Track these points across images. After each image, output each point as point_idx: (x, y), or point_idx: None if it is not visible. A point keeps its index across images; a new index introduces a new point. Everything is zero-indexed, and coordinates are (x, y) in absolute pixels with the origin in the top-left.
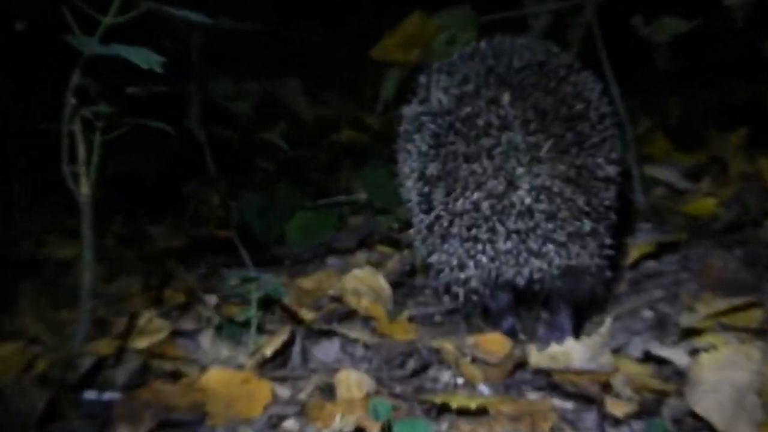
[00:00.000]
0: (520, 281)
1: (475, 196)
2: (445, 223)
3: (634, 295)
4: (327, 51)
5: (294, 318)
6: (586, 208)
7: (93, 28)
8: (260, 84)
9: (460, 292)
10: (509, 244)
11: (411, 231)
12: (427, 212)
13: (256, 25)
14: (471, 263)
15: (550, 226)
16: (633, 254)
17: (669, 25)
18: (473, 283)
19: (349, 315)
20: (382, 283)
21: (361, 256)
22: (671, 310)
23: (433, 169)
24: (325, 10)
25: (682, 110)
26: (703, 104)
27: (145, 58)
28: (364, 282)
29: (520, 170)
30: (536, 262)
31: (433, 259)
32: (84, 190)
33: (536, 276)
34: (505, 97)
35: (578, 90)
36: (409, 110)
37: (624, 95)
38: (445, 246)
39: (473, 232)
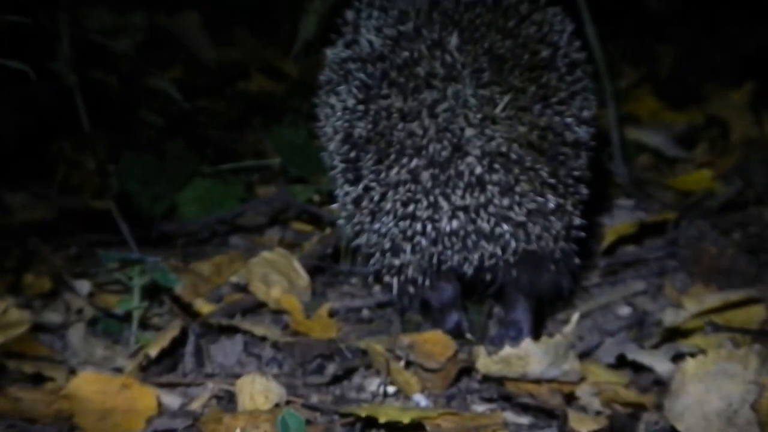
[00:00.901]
0: (468, 269)
1: (414, 163)
2: (377, 197)
3: (608, 287)
4: None
5: (187, 311)
6: (551, 180)
7: None
8: (149, 17)
9: (394, 281)
10: (455, 224)
11: (334, 205)
12: (355, 183)
13: None
14: (408, 246)
15: (506, 201)
16: (608, 237)
17: None
18: (410, 271)
19: (256, 308)
20: (297, 268)
21: (273, 234)
22: (653, 306)
23: (361, 129)
24: None
25: (676, 60)
26: (700, 53)
27: None
28: (275, 267)
29: (469, 132)
30: (488, 247)
31: (362, 240)
32: None
33: (488, 263)
34: (452, 40)
35: (543, 32)
36: (332, 54)
37: (604, 40)
38: (376, 225)
39: (411, 208)
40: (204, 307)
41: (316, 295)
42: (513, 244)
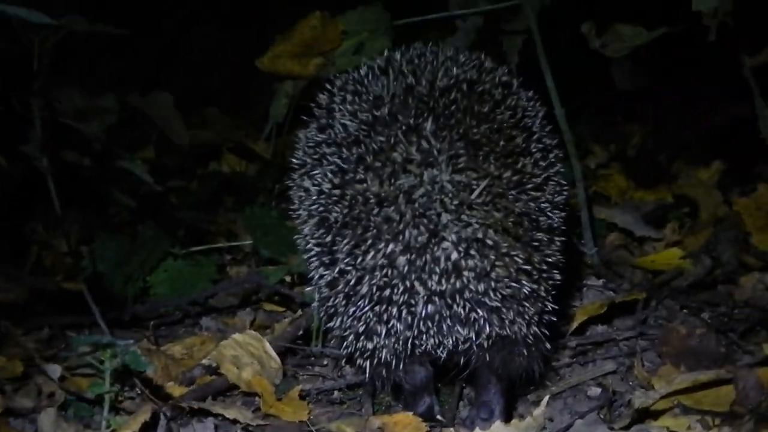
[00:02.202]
0: (442, 353)
1: (390, 248)
2: (352, 280)
3: (578, 367)
4: (209, 58)
5: (158, 394)
6: (526, 266)
7: None
8: (122, 98)
9: (367, 364)
10: (430, 309)
11: (308, 288)
12: (330, 266)
13: (119, 27)
14: (382, 330)
15: (482, 287)
16: (578, 317)
17: (626, 36)
18: (384, 354)
19: (228, 390)
20: (268, 350)
21: (244, 316)
22: (623, 387)
23: (337, 213)
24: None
25: (644, 138)
26: (669, 131)
27: None
28: (246, 349)
29: (445, 217)
30: (463, 331)
31: (335, 323)
32: None
33: (462, 347)
34: (428, 125)
35: (517, 117)
36: (306, 137)
37: (573, 118)
38: (351, 308)
39: (387, 292)
40: (175, 389)
41: (288, 377)
42: (487, 328)
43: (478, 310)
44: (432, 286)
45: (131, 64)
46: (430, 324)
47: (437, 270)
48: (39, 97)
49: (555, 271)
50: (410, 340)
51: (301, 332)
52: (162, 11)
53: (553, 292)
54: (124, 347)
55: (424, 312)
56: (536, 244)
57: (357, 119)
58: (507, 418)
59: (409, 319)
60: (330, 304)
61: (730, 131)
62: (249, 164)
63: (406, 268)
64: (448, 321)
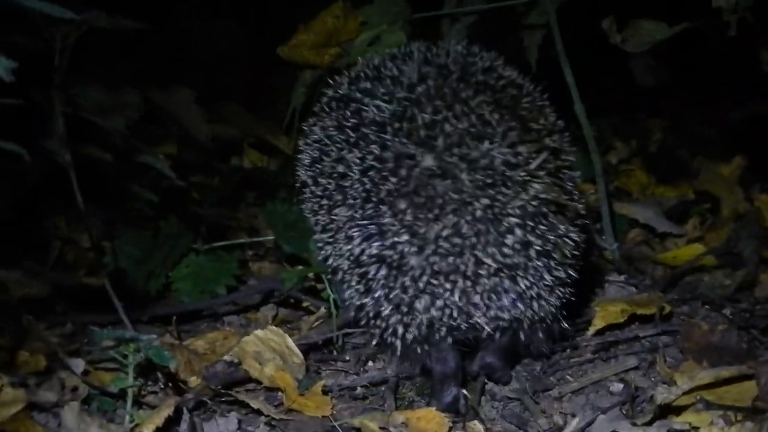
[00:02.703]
0: (488, 329)
1: (456, 219)
2: (408, 252)
3: (601, 362)
4: (230, 52)
5: (181, 388)
6: (575, 251)
7: None
8: (143, 94)
9: (399, 343)
10: (493, 281)
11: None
12: (378, 239)
13: (145, 22)
14: (433, 302)
15: (541, 263)
16: (597, 322)
17: (647, 31)
18: (422, 330)
19: (250, 385)
20: (290, 345)
21: (267, 311)
22: (645, 383)
23: (390, 187)
24: (230, 3)
25: (665, 134)
26: (690, 127)
27: None
28: (268, 345)
29: (508, 190)
30: (520, 307)
31: (369, 299)
32: None
33: (505, 324)
34: (476, 99)
35: (538, 101)
36: (326, 125)
37: (594, 114)
38: (402, 280)
39: (448, 264)
40: (198, 384)
41: (310, 373)
42: (535, 306)
43: (534, 288)
44: (500, 259)
45: (150, 60)
46: (494, 297)
47: (507, 243)
48: (60, 92)
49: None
50: (468, 312)
51: (322, 340)
52: (180, 7)
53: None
54: (147, 342)
55: (490, 284)
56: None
57: (394, 99)
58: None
59: (473, 291)
60: (371, 277)
61: (751, 127)
62: (270, 159)
63: (474, 240)
64: (511, 295)
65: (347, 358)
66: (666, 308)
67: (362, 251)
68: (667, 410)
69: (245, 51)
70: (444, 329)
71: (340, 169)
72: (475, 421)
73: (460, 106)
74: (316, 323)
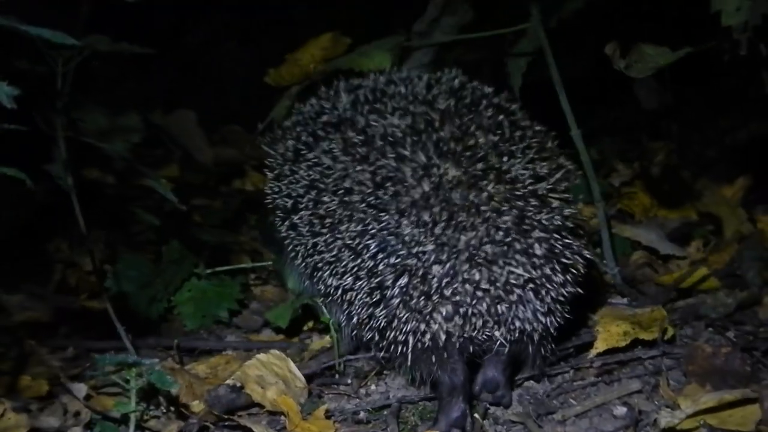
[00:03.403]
0: (510, 338)
1: (482, 230)
2: (429, 261)
3: (604, 385)
4: (232, 75)
5: (183, 413)
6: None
7: None
8: (145, 117)
9: (409, 354)
10: (519, 294)
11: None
12: (397, 251)
13: (148, 44)
14: (455, 310)
15: (560, 279)
16: (600, 343)
17: (650, 56)
18: (437, 338)
19: (253, 409)
20: (293, 369)
21: (268, 334)
22: (649, 406)
23: (411, 198)
24: (236, 24)
25: (668, 156)
26: (692, 149)
27: None
28: (270, 369)
29: (531, 204)
30: (542, 320)
31: (382, 309)
32: None
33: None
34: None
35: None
36: (331, 147)
37: (596, 137)
38: (423, 287)
39: (476, 274)
40: (200, 408)
41: (312, 396)
42: (546, 320)
43: (557, 303)
44: (531, 270)
45: (152, 83)
46: (520, 308)
47: (535, 254)
48: (63, 116)
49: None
50: (486, 325)
51: (324, 367)
52: (182, 30)
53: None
54: (149, 366)
55: (521, 295)
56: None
57: (408, 114)
58: (511, 388)
59: (500, 302)
60: (388, 285)
61: (754, 148)
62: None
63: (505, 249)
64: (534, 306)
65: (349, 381)
66: (669, 330)
67: (379, 262)
68: None
69: (247, 73)
70: (460, 340)
71: (347, 184)
72: None
73: (480, 122)
74: (318, 349)
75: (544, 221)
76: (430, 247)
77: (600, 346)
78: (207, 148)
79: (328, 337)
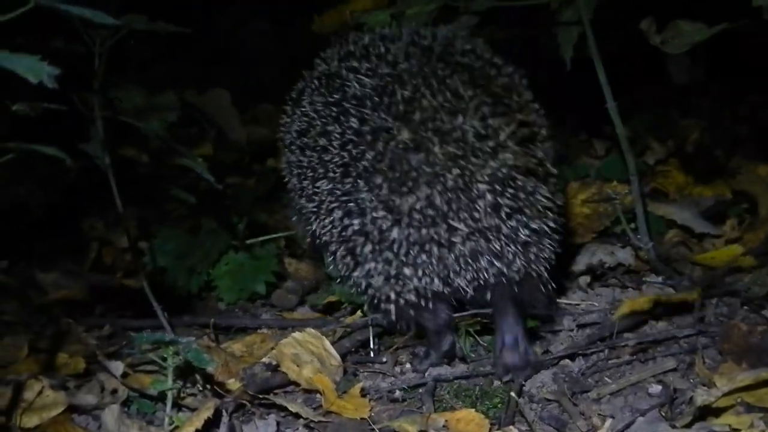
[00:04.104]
0: (472, 289)
1: (429, 191)
2: (385, 226)
3: (639, 364)
4: (264, 53)
5: (220, 391)
6: (549, 204)
7: None
8: (180, 95)
9: (392, 307)
10: (470, 245)
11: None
12: (358, 215)
13: (180, 25)
14: (417, 271)
15: (514, 223)
16: (622, 309)
17: (687, 32)
18: (411, 297)
19: (288, 387)
20: (328, 348)
21: (304, 312)
22: (684, 384)
23: (367, 162)
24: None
25: (702, 134)
26: (725, 127)
27: (33, 68)
28: (305, 347)
29: (478, 160)
30: (498, 265)
31: (359, 272)
32: None
33: (493, 281)
34: (454, 77)
35: (516, 79)
36: (311, 101)
37: (627, 114)
38: (385, 254)
39: (426, 233)
40: (237, 386)
41: (348, 375)
42: (518, 262)
43: (511, 245)
44: (472, 224)
45: (185, 63)
46: (470, 260)
47: (478, 208)
48: (100, 96)
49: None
50: (447, 277)
51: (355, 347)
52: (214, 9)
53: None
54: (186, 344)
55: (465, 249)
56: (553, 184)
57: (377, 75)
58: (529, 341)
59: (450, 257)
60: (358, 252)
61: None
62: None
63: (446, 208)
64: (487, 256)
65: (384, 360)
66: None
67: (345, 227)
68: (706, 412)
69: (278, 51)
70: (430, 295)
71: (322, 142)
72: (511, 427)
73: (437, 83)
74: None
75: (487, 175)
76: (382, 213)
77: (624, 309)
78: (240, 127)
79: (359, 313)
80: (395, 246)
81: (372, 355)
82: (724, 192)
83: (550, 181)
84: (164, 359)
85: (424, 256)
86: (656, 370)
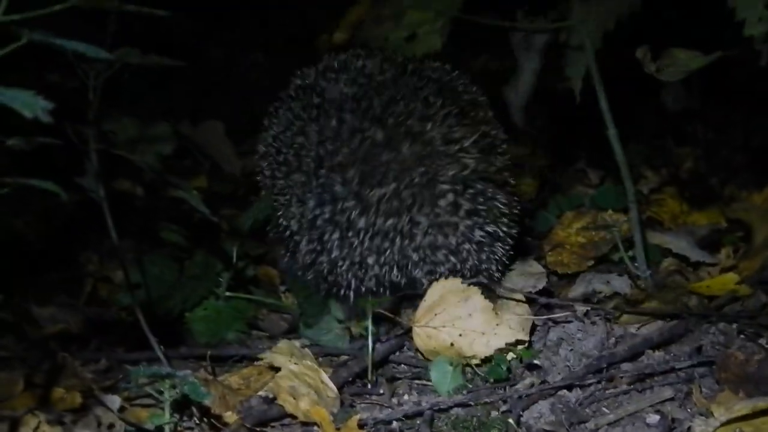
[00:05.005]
0: (428, 280)
1: (396, 185)
2: (354, 215)
3: (636, 393)
4: (257, 86)
5: (217, 424)
6: (505, 211)
7: None
8: (174, 127)
9: (351, 294)
10: (428, 239)
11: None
12: (330, 204)
13: (173, 56)
14: (378, 259)
15: (470, 223)
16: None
17: (682, 60)
18: (373, 284)
19: (286, 420)
20: (325, 380)
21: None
22: (682, 414)
23: (342, 157)
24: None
25: (696, 162)
26: (720, 155)
27: (28, 103)
28: (302, 379)
29: (443, 161)
30: (453, 260)
31: (324, 258)
32: None
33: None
34: (426, 89)
35: (480, 100)
36: (292, 105)
37: (622, 143)
38: (351, 241)
39: (390, 224)
40: (234, 419)
41: (345, 406)
42: (470, 260)
43: (466, 243)
44: (433, 218)
45: (178, 94)
46: (428, 252)
47: (439, 205)
48: (94, 128)
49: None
50: (406, 267)
51: (351, 378)
52: (207, 40)
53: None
54: (183, 378)
55: (425, 242)
56: (510, 193)
57: (356, 84)
58: None
59: (410, 248)
60: (326, 239)
61: None
62: None
63: (410, 201)
64: (443, 250)
65: (381, 391)
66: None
67: (316, 216)
68: None
69: (273, 82)
70: (387, 285)
71: (299, 140)
72: None
73: (409, 93)
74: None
75: (449, 176)
76: (352, 202)
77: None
78: (235, 158)
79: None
80: (361, 234)
81: (369, 386)
82: (719, 220)
83: (507, 189)
84: (161, 393)
85: (387, 245)
86: (654, 400)
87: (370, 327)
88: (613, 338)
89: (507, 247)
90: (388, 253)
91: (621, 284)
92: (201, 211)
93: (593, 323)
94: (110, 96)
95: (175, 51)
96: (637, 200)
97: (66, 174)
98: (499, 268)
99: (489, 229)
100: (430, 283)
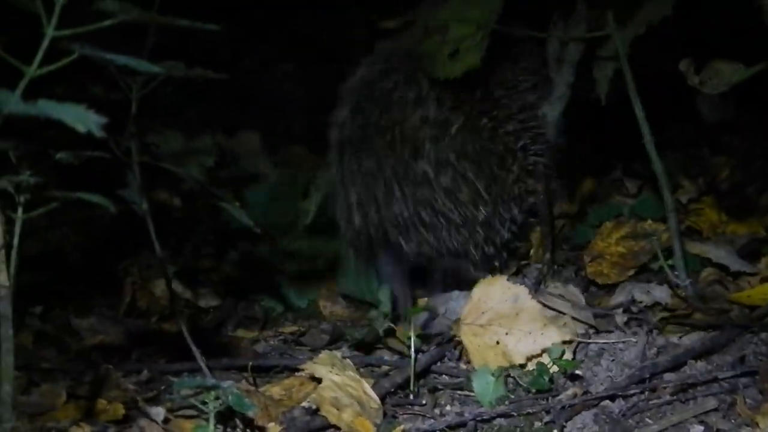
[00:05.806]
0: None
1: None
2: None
3: (679, 404)
4: (291, 97)
5: None
6: (483, 195)
7: (12, 79)
8: (213, 138)
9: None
10: (401, 209)
11: None
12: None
13: (208, 67)
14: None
15: (447, 202)
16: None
17: (724, 72)
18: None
19: (329, 431)
20: (368, 391)
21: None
22: (726, 425)
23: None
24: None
25: (733, 172)
26: (756, 164)
27: (80, 118)
28: (345, 390)
29: (428, 142)
30: (425, 235)
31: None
32: (3, 279)
33: (425, 250)
34: (425, 79)
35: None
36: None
37: (658, 153)
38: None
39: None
40: (277, 431)
41: (388, 417)
42: (447, 238)
43: (442, 220)
44: (408, 192)
45: (215, 105)
46: (399, 221)
47: (416, 180)
48: (137, 141)
49: (514, 205)
50: (381, 232)
51: (393, 389)
52: (241, 51)
53: (514, 226)
54: (227, 389)
55: (397, 211)
56: (499, 177)
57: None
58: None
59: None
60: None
61: None
62: None
63: (388, 173)
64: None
65: (424, 401)
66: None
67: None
68: None
69: (307, 93)
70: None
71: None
72: None
73: (410, 81)
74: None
75: (433, 152)
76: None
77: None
78: (271, 169)
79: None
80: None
81: (411, 397)
82: (757, 229)
83: (499, 173)
84: (205, 404)
85: (370, 206)
86: (697, 411)
87: (413, 338)
88: (654, 348)
89: (495, 232)
90: (371, 215)
91: (661, 294)
92: (244, 222)
93: (634, 333)
94: (150, 108)
95: (208, 63)
96: (676, 210)
97: (104, 186)
98: (487, 249)
99: (466, 211)
100: (477, 281)
